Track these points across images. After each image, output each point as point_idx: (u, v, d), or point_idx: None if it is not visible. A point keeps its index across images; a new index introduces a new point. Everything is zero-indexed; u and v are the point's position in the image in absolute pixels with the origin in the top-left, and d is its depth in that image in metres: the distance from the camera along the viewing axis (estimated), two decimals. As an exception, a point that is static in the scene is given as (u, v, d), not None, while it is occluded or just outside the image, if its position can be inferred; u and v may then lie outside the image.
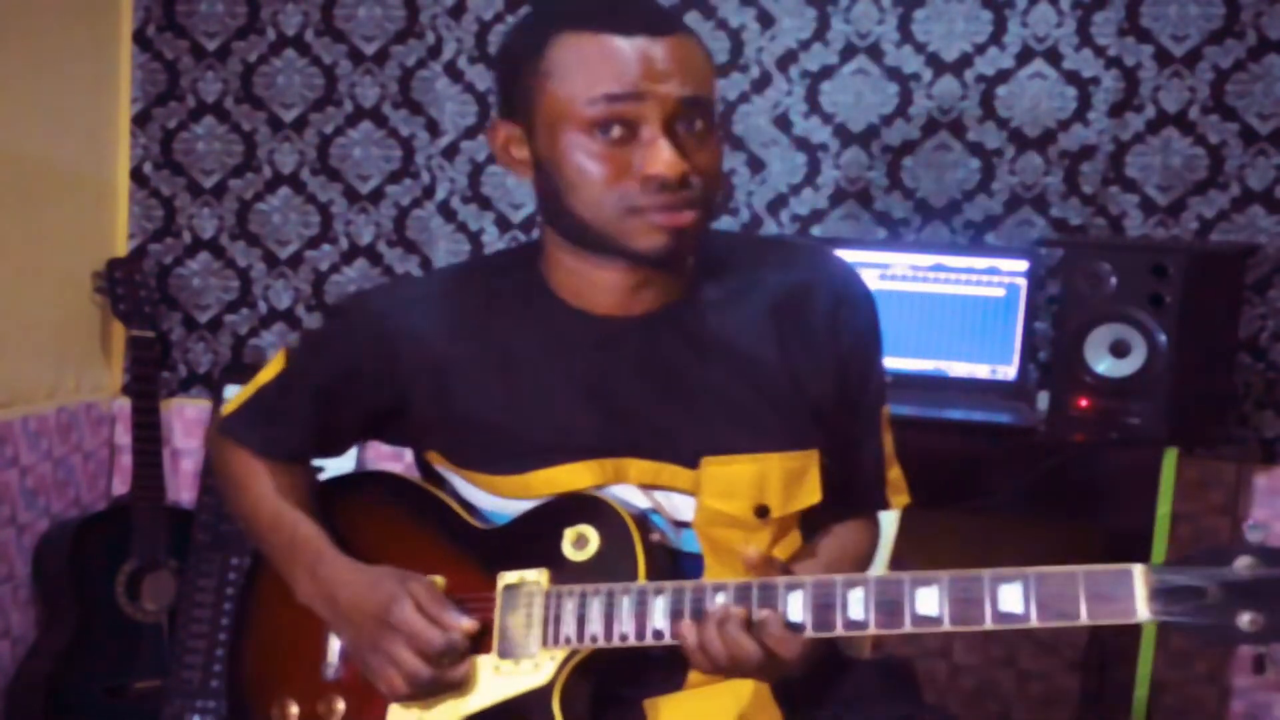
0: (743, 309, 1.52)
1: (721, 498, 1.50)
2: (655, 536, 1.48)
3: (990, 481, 2.40)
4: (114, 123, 3.11)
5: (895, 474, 1.64)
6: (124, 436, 3.10)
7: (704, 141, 1.43)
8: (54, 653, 2.78)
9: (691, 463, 1.49)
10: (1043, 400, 2.48)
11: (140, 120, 3.11)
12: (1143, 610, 1.24)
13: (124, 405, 3.08)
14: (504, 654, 1.47)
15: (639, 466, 1.50)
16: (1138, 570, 1.26)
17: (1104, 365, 2.33)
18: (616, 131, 1.40)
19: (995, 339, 2.59)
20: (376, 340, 1.55)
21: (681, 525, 1.52)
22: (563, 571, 1.47)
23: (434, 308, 1.55)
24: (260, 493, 1.63)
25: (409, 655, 1.45)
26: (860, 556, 1.63)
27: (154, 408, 2.92)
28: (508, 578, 1.49)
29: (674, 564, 1.49)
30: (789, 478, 1.52)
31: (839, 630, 1.34)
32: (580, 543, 1.47)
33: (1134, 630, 2.33)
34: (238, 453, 1.65)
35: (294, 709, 1.58)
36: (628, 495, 1.50)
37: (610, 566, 1.45)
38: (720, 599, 1.37)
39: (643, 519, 1.49)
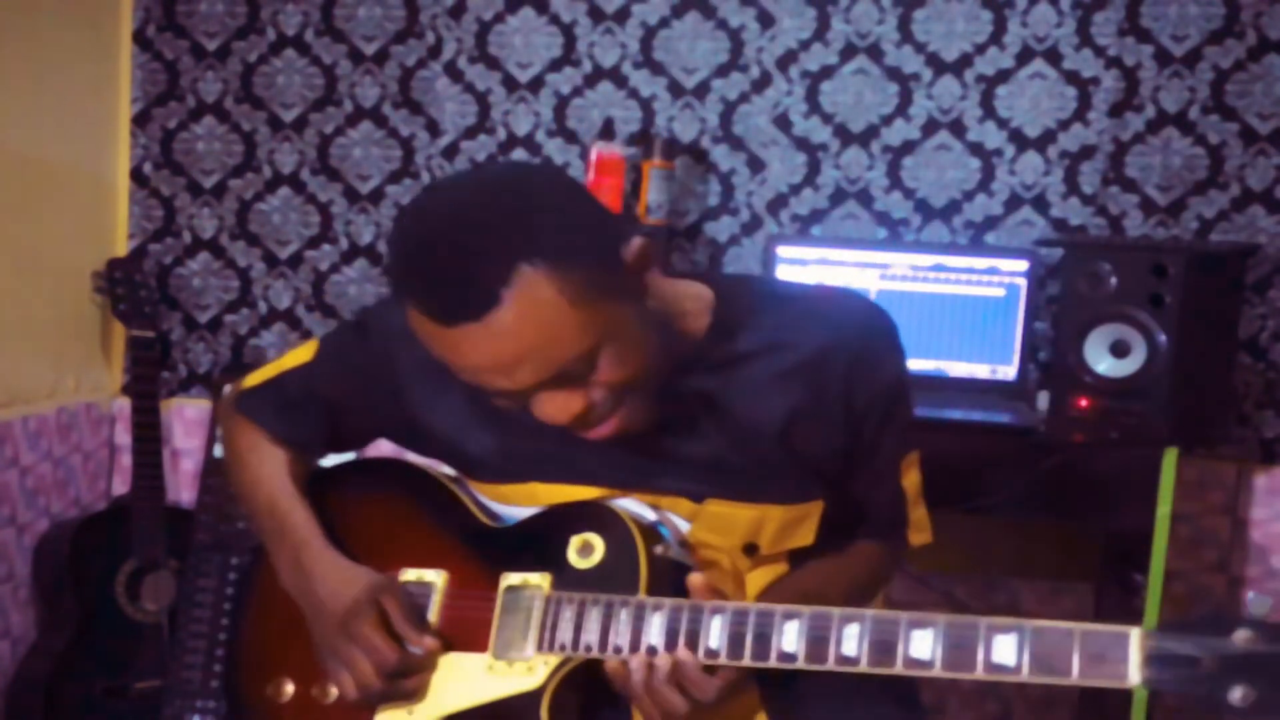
0: (753, 371, 1.50)
1: (714, 533, 1.51)
2: (660, 550, 1.47)
3: (990, 481, 2.40)
4: (114, 123, 3.11)
5: (919, 515, 1.63)
6: (124, 436, 3.10)
7: (593, 367, 1.35)
8: (54, 653, 2.78)
9: (696, 496, 1.50)
10: (1043, 400, 2.47)
11: (140, 120, 3.11)
12: (1134, 676, 1.23)
13: (124, 405, 3.08)
14: (499, 654, 1.47)
15: (639, 496, 1.51)
16: (1134, 634, 1.24)
17: (1104, 365, 2.33)
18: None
19: (995, 339, 2.59)
20: (393, 359, 1.55)
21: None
22: (565, 578, 1.46)
23: None
24: (262, 474, 1.63)
25: (363, 666, 1.46)
26: (859, 579, 1.61)
27: (154, 408, 2.92)
28: (510, 579, 1.49)
29: (678, 579, 1.47)
30: (786, 524, 1.53)
31: (830, 664, 1.32)
32: (585, 550, 1.47)
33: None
34: (247, 429, 1.66)
35: (289, 688, 1.59)
36: (637, 508, 1.50)
37: (613, 577, 1.44)
38: (717, 621, 1.36)
39: (651, 531, 1.49)
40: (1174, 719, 2.76)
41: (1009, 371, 2.59)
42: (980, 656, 1.27)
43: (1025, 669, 1.26)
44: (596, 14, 2.90)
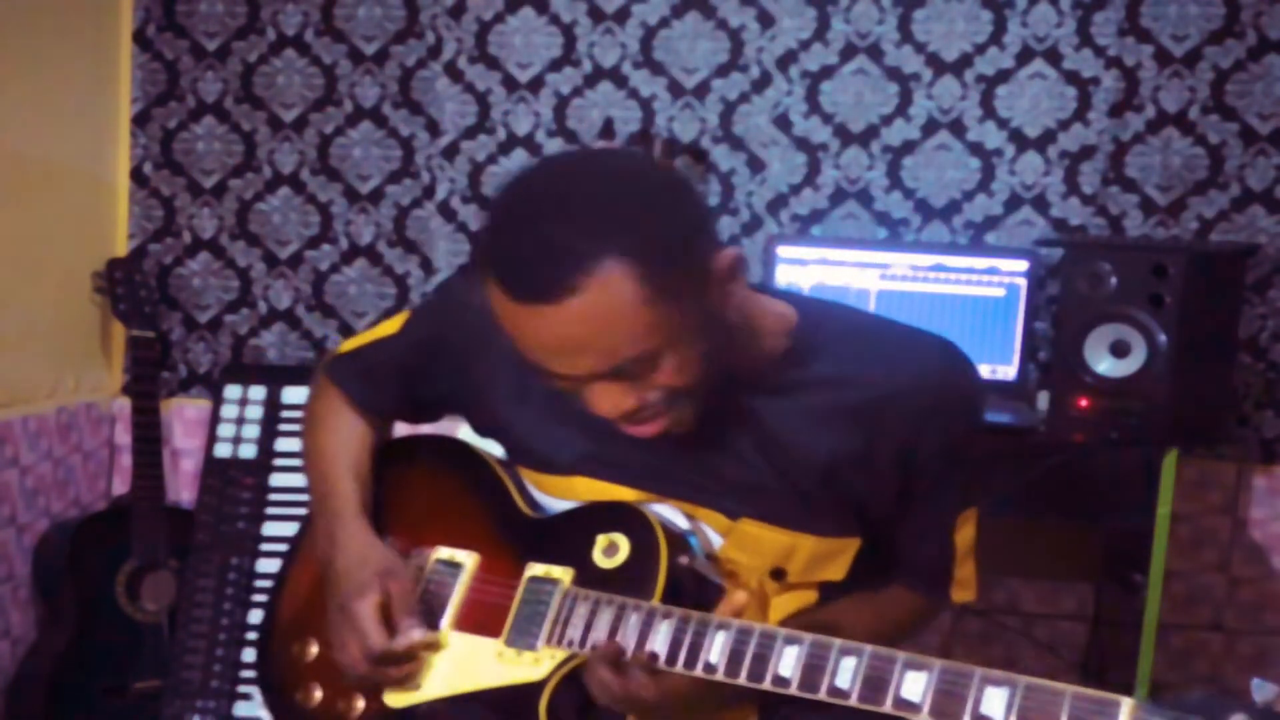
0: (813, 401, 1.47)
1: (744, 552, 1.51)
2: (685, 560, 1.47)
3: (990, 481, 2.39)
4: (114, 123, 3.11)
5: (966, 573, 1.60)
6: (124, 436, 3.10)
7: (655, 367, 1.34)
8: (54, 653, 2.78)
9: (731, 513, 1.50)
10: (1043, 400, 2.48)
11: (140, 120, 3.11)
12: None
13: (124, 405, 3.08)
14: (511, 642, 1.47)
15: (676, 505, 1.51)
16: (1126, 705, 1.22)
17: (1104, 365, 2.33)
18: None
19: (995, 339, 2.59)
20: (466, 330, 1.56)
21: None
22: (587, 575, 1.47)
23: None
24: (327, 440, 1.68)
25: (353, 648, 1.50)
26: (887, 624, 1.58)
27: (154, 408, 2.92)
28: (534, 569, 1.50)
29: (700, 590, 1.46)
30: (817, 556, 1.52)
31: (822, 694, 1.32)
32: (610, 550, 1.47)
33: (1134, 631, 2.33)
34: (330, 393, 1.70)
35: (313, 649, 1.62)
36: (671, 515, 1.50)
37: (632, 580, 1.44)
38: (720, 637, 1.36)
39: (678, 539, 1.48)
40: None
41: (1009, 371, 2.59)
42: (969, 707, 1.26)
43: None
44: (596, 14, 2.90)
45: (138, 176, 3.13)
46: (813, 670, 1.32)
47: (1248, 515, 2.74)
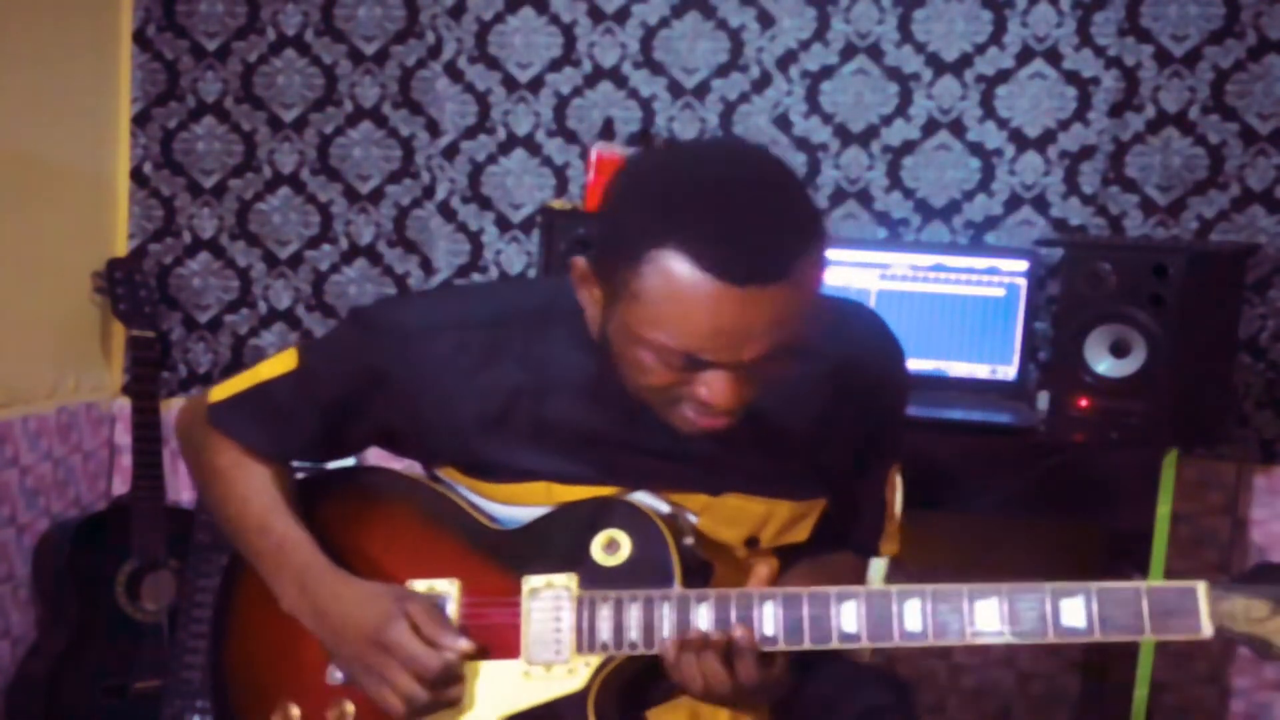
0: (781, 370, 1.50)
1: (722, 525, 1.51)
2: (689, 541, 1.47)
3: (990, 481, 2.40)
4: (114, 123, 3.11)
5: (893, 526, 1.65)
6: (124, 436, 3.10)
7: (779, 364, 1.34)
8: (54, 653, 2.78)
9: (713, 489, 1.50)
10: (1043, 400, 2.47)
11: (140, 120, 3.11)
12: (1207, 627, 1.26)
13: (124, 405, 3.08)
14: (534, 659, 1.45)
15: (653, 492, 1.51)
16: (1201, 587, 1.28)
17: (1104, 365, 2.33)
18: (684, 361, 1.33)
19: (995, 339, 2.59)
20: (398, 361, 1.49)
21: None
22: (593, 576, 1.45)
23: (475, 339, 1.49)
24: (249, 492, 1.57)
25: (405, 678, 1.43)
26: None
27: (154, 408, 2.92)
28: (532, 581, 1.47)
29: (705, 568, 1.47)
30: (790, 519, 1.54)
31: (895, 640, 1.34)
32: (612, 547, 1.45)
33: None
34: (226, 445, 1.59)
35: (295, 712, 1.54)
36: (651, 501, 1.49)
37: (643, 572, 1.43)
38: (769, 607, 1.37)
39: (675, 522, 1.48)
40: (1174, 718, 2.76)
41: (1009, 371, 2.59)
42: (1050, 623, 1.30)
43: (1097, 630, 1.29)
44: (596, 14, 2.90)
45: (138, 176, 3.13)
46: (878, 620, 1.34)
47: (1248, 515, 2.74)
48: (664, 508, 1.49)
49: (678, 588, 1.42)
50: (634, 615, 1.41)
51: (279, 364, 1.58)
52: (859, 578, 1.65)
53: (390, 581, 1.51)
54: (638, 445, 1.47)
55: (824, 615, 1.36)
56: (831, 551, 1.60)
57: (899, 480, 1.64)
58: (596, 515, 1.47)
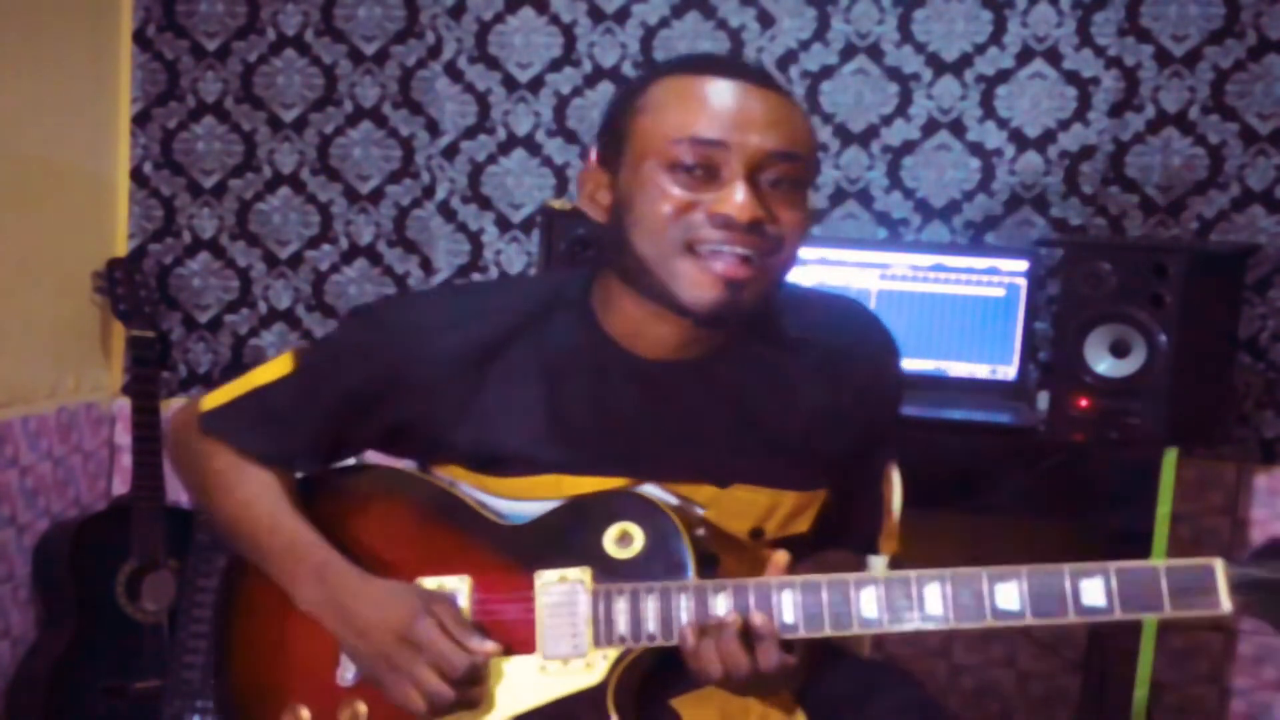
0: (782, 366, 1.53)
1: (729, 517, 1.52)
2: (701, 531, 1.48)
3: (990, 481, 2.40)
4: (114, 123, 3.11)
5: (891, 524, 1.65)
6: (124, 436, 3.10)
7: (787, 201, 1.42)
8: (54, 653, 2.78)
9: (722, 481, 1.51)
10: (1043, 400, 2.47)
11: (140, 120, 3.11)
12: (1226, 603, 1.29)
13: (124, 405, 3.08)
14: (550, 654, 1.45)
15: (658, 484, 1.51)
16: (1219, 564, 1.30)
17: (1104, 365, 2.33)
18: (698, 172, 1.39)
19: (995, 339, 2.59)
20: (409, 357, 1.50)
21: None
22: (607, 569, 1.45)
23: (484, 332, 1.51)
24: (251, 495, 1.56)
25: (431, 676, 1.43)
26: None
27: (154, 408, 2.92)
28: (545, 576, 1.47)
29: (714, 560, 1.48)
30: (794, 510, 1.55)
31: (915, 624, 1.35)
32: (625, 540, 1.45)
33: (1134, 630, 2.33)
34: (222, 451, 1.58)
35: (306, 714, 1.52)
36: (659, 493, 1.50)
37: (657, 564, 1.44)
38: (788, 596, 1.38)
39: (686, 513, 1.49)
40: (1174, 718, 2.76)
41: (1009, 371, 2.59)
42: (1070, 603, 1.32)
43: (1118, 608, 1.31)
44: (596, 14, 2.90)
45: (138, 176, 3.13)
46: (897, 604, 1.36)
47: (1248, 515, 2.74)
48: (672, 500, 1.50)
49: (694, 578, 1.42)
50: (651, 607, 1.41)
51: (274, 369, 1.58)
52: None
53: (398, 579, 1.51)
54: (647, 431, 1.49)
55: (844, 600, 1.37)
56: (832, 547, 1.62)
57: (896, 478, 1.64)
58: (608, 508, 1.47)
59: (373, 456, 1.65)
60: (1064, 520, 2.53)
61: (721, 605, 1.39)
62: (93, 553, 2.83)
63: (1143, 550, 2.28)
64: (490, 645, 1.44)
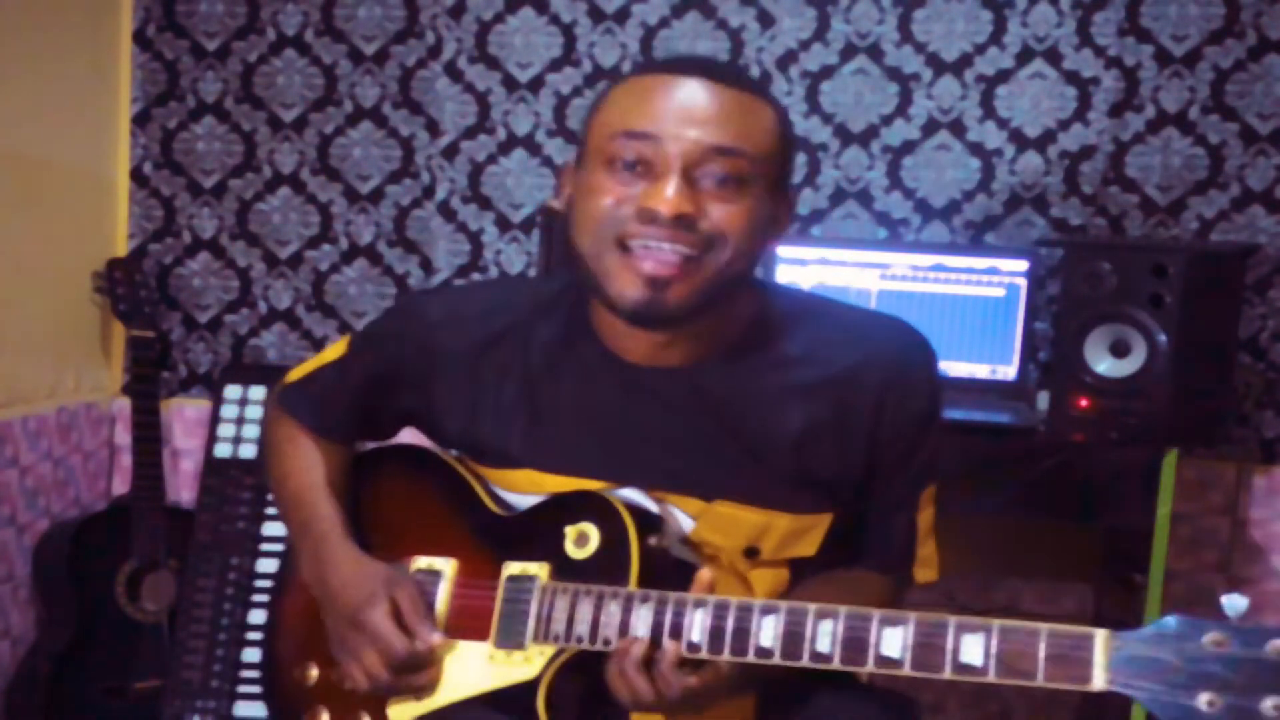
0: (777, 379, 1.50)
1: (717, 533, 1.52)
2: (654, 541, 1.48)
3: (990, 481, 2.40)
4: (114, 123, 3.11)
5: (927, 551, 1.61)
6: (124, 436, 3.10)
7: (729, 198, 1.40)
8: (54, 653, 2.78)
9: (706, 496, 1.50)
10: (1043, 400, 2.47)
11: (140, 120, 3.11)
12: (1099, 678, 1.23)
13: (124, 405, 3.08)
14: (499, 644, 1.48)
15: (645, 491, 1.52)
16: (1099, 635, 1.23)
17: (1104, 365, 2.33)
18: (638, 168, 1.40)
19: (995, 339, 2.59)
20: (421, 349, 1.59)
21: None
22: (564, 568, 1.48)
23: (482, 329, 1.57)
24: (292, 466, 1.68)
25: (372, 657, 1.49)
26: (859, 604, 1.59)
27: (154, 408, 2.92)
28: (511, 568, 1.50)
29: (675, 571, 1.47)
30: (791, 533, 1.53)
31: (805, 661, 1.33)
32: (581, 540, 1.48)
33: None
34: (285, 422, 1.71)
35: (314, 673, 1.62)
36: (639, 499, 1.50)
37: (607, 567, 1.45)
38: (699, 615, 1.37)
39: (647, 521, 1.49)
40: (1174, 719, 2.75)
41: (1009, 371, 2.59)
42: (949, 657, 1.27)
43: (992, 670, 1.26)
44: (596, 14, 2.90)
45: (138, 176, 3.13)
46: (793, 638, 1.33)
47: (1248, 515, 2.74)
48: (652, 507, 1.50)
49: (629, 586, 1.42)
50: (585, 610, 1.43)
51: (335, 350, 1.71)
52: (887, 598, 1.60)
53: (402, 556, 1.58)
54: (628, 433, 1.50)
55: (745, 629, 1.35)
56: (847, 568, 1.58)
57: (933, 506, 1.59)
58: (574, 507, 1.50)
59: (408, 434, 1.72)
60: (1064, 520, 2.54)
61: (643, 616, 1.39)
62: (93, 553, 2.83)
63: (1143, 550, 2.28)
64: (436, 637, 1.49)
